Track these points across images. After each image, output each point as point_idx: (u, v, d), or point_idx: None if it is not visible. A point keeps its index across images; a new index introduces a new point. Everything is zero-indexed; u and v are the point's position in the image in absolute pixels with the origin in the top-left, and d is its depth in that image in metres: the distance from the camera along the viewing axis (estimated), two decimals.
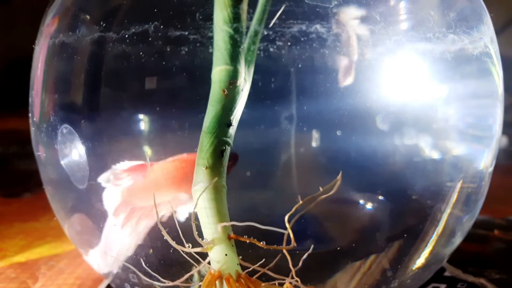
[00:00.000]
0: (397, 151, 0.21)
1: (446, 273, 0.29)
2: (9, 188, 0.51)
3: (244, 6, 0.19)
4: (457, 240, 0.24)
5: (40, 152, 0.24)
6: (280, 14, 0.19)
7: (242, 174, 0.22)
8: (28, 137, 0.25)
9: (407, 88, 0.21)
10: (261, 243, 0.18)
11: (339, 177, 0.19)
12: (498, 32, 0.24)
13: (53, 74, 0.23)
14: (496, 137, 0.23)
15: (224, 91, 0.19)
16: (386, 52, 0.20)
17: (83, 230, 0.24)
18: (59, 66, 0.23)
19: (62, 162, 0.22)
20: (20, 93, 0.31)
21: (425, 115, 0.21)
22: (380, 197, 0.22)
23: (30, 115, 0.24)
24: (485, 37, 0.22)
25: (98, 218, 0.23)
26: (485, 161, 0.23)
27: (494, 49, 0.23)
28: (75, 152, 0.22)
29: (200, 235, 0.18)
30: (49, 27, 0.23)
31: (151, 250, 0.22)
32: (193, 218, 0.18)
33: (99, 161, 0.22)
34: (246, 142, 0.21)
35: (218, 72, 0.19)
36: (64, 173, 0.23)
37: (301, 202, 0.18)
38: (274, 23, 0.20)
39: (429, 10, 0.21)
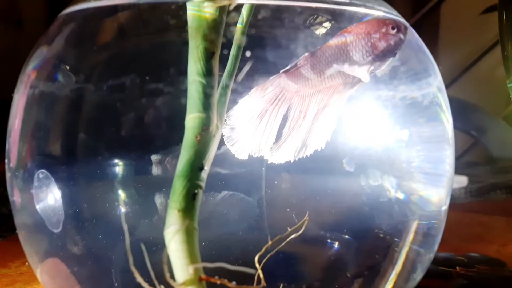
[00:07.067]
0: (353, 192, 0.22)
1: None
2: None
3: (216, 60, 0.21)
4: (418, 276, 0.25)
5: (15, 197, 0.24)
6: (248, 70, 0.21)
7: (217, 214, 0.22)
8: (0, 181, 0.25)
9: (362, 133, 0.23)
10: (232, 283, 0.18)
11: (306, 217, 0.20)
12: (450, 82, 0.27)
13: (32, 122, 0.24)
14: (448, 176, 0.25)
15: (197, 137, 0.20)
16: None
17: (56, 274, 0.24)
18: (38, 115, 0.24)
19: (38, 207, 0.23)
20: None
21: (378, 158, 0.23)
22: (341, 235, 0.23)
23: (6, 161, 0.25)
24: (433, 87, 0.25)
25: (72, 262, 0.23)
26: (439, 200, 0.25)
27: (442, 97, 0.26)
28: (50, 197, 0.22)
29: (172, 276, 0.18)
30: (29, 76, 0.24)
31: None
32: (165, 260, 0.18)
33: (74, 205, 0.23)
34: (217, 185, 0.22)
35: (192, 119, 0.20)
36: (39, 217, 0.23)
37: (270, 242, 0.19)
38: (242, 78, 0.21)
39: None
